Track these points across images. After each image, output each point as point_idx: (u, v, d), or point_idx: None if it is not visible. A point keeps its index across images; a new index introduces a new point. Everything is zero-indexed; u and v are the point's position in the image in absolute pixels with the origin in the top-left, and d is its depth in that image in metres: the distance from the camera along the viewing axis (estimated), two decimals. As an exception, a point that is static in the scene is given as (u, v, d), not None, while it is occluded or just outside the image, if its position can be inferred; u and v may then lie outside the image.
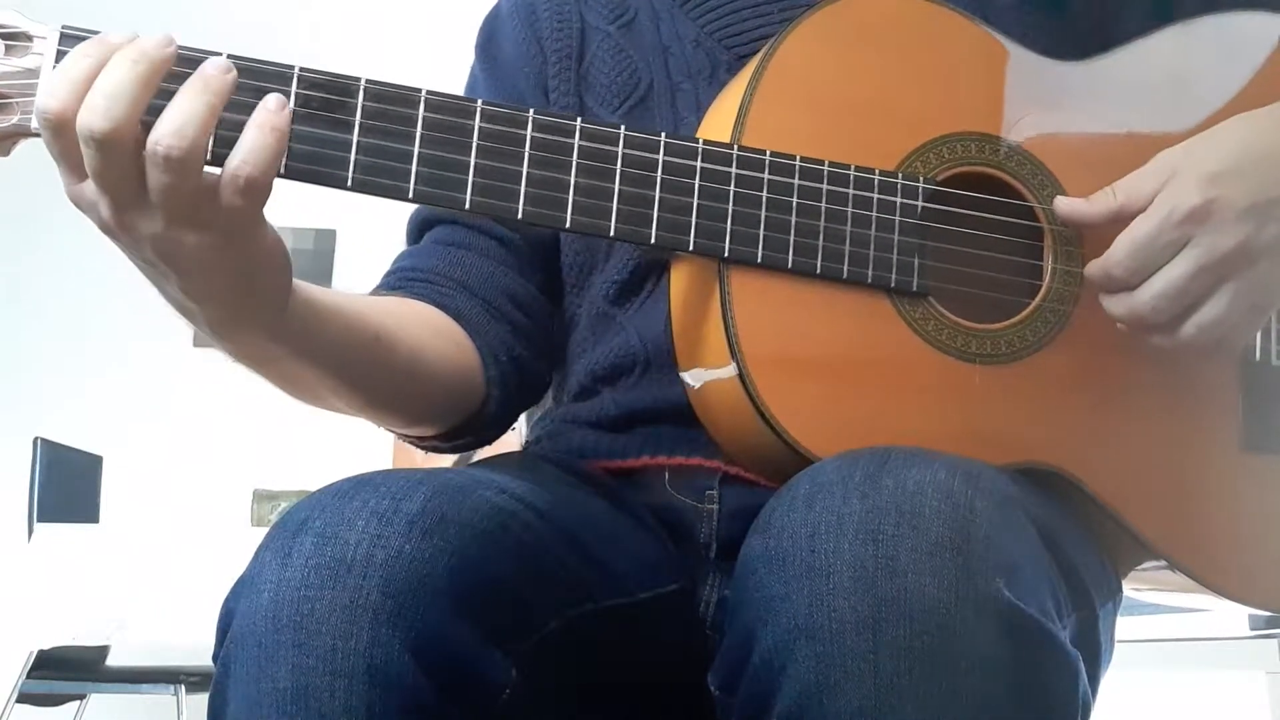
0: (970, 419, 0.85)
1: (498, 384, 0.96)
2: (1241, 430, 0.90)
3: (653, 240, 0.82)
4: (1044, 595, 0.71)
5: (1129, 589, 0.97)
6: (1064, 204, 0.86)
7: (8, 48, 0.73)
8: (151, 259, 0.74)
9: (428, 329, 0.94)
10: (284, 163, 0.75)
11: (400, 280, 0.99)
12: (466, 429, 0.97)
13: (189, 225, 0.72)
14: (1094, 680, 0.82)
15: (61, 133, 0.70)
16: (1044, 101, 0.90)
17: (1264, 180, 0.83)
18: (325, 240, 4.21)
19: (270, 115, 0.72)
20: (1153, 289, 0.82)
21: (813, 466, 0.73)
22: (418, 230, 1.04)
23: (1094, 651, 0.82)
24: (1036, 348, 0.86)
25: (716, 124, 0.89)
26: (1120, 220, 0.84)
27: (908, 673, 0.63)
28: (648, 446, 0.94)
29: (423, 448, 1.02)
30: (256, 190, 0.72)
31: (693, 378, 0.87)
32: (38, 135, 0.73)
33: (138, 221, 0.72)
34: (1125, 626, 0.97)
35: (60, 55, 0.73)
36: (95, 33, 0.73)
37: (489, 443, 1.02)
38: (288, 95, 0.75)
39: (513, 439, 1.08)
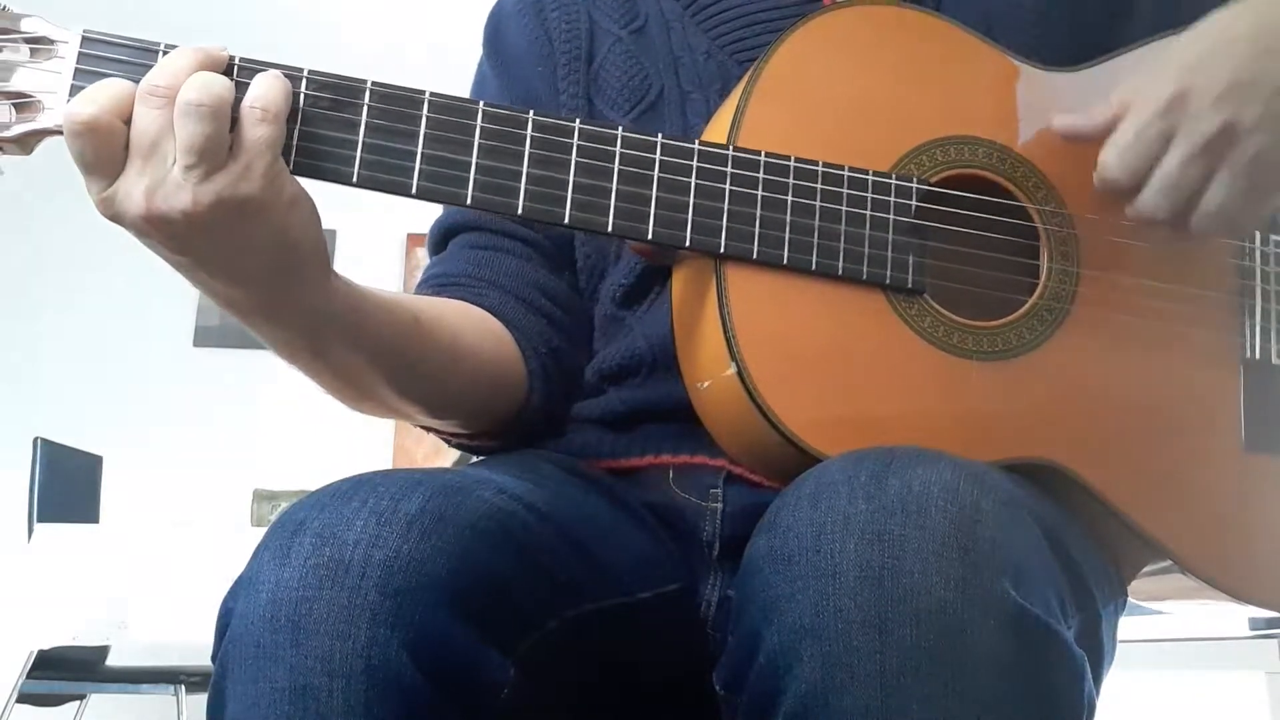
0: (967, 414, 0.85)
1: (540, 376, 0.96)
2: (1242, 428, 0.90)
3: (650, 236, 0.83)
4: (1049, 595, 0.71)
5: (1129, 597, 0.97)
6: (1063, 121, 0.87)
7: (33, 51, 0.77)
8: (190, 244, 0.76)
9: (466, 320, 0.95)
10: (292, 160, 0.78)
11: (431, 288, 1.00)
12: (513, 425, 0.97)
13: (228, 183, 0.74)
14: (1096, 680, 0.82)
15: (102, 133, 0.73)
16: (1037, 106, 0.90)
17: (1239, 63, 0.83)
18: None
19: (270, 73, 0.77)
20: (1152, 186, 0.83)
21: (818, 466, 0.73)
22: (442, 239, 1.04)
23: (1097, 652, 0.82)
24: (1034, 345, 0.87)
25: (715, 128, 0.90)
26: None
27: (914, 672, 0.63)
28: (652, 445, 0.95)
29: (470, 448, 1.01)
30: (273, 117, 0.75)
31: (696, 383, 0.87)
32: (59, 133, 0.75)
33: (180, 198, 0.73)
34: (1126, 627, 0.97)
35: (82, 58, 0.76)
36: (116, 37, 0.77)
37: (536, 441, 1.01)
38: (298, 96, 0.78)
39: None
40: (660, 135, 0.83)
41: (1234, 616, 2.19)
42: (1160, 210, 0.83)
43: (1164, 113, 0.82)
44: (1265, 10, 0.86)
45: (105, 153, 0.74)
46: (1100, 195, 0.88)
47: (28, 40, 0.77)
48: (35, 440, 3.35)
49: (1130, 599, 0.97)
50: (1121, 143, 0.84)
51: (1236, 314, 0.92)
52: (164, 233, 0.75)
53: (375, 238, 4.52)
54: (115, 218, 0.75)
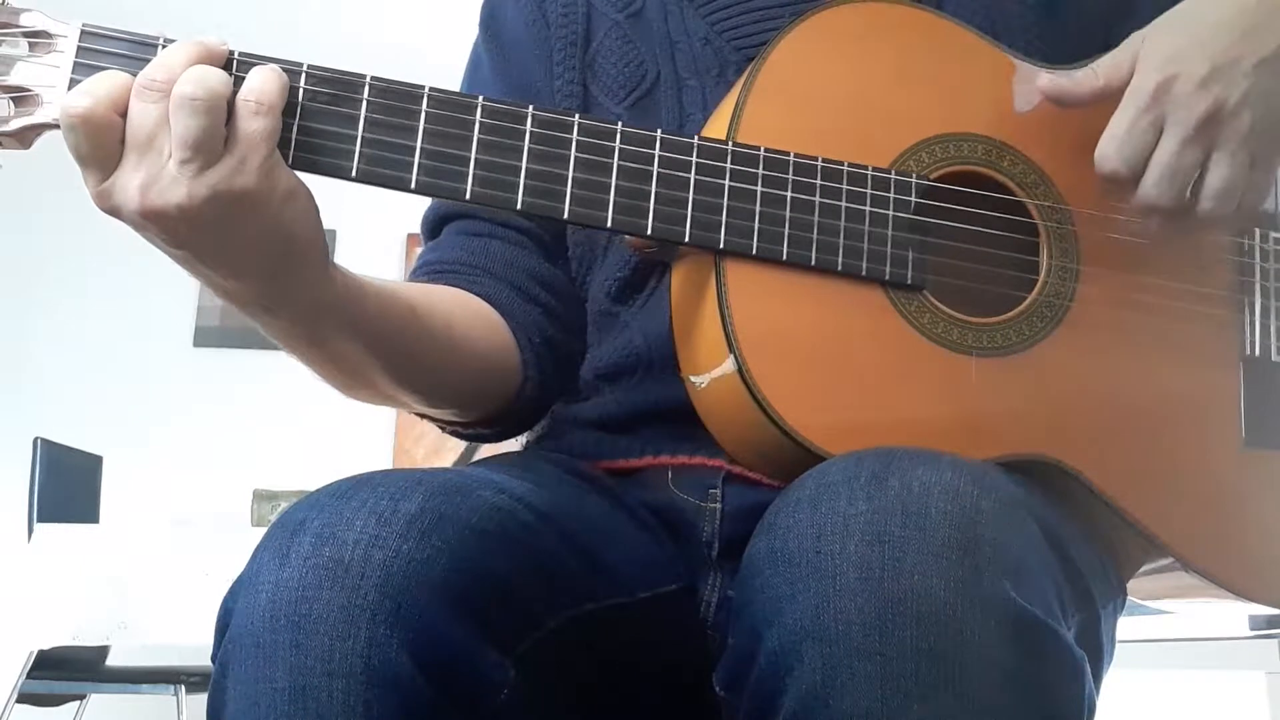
0: (967, 410, 0.85)
1: (534, 365, 0.96)
2: (1241, 425, 0.90)
3: (649, 231, 0.83)
4: (1049, 596, 0.71)
5: (1129, 596, 0.97)
6: (1048, 80, 0.88)
7: (32, 45, 0.77)
8: (186, 237, 0.75)
9: (461, 308, 0.95)
10: (291, 154, 0.78)
11: (426, 275, 1.00)
12: (507, 414, 0.98)
13: (223, 176, 0.74)
14: (1096, 680, 0.82)
15: (97, 126, 0.73)
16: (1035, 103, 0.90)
17: (1222, 45, 0.84)
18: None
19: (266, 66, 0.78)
20: (1151, 176, 0.84)
21: (818, 467, 0.73)
22: (436, 225, 1.04)
23: (1097, 652, 0.82)
24: (1033, 341, 0.87)
25: (715, 124, 0.90)
26: (1105, 97, 0.86)
27: (914, 674, 0.63)
28: (651, 446, 0.94)
29: (464, 436, 1.02)
30: (268, 110, 0.75)
31: (694, 379, 0.88)
32: (57, 128, 0.75)
33: (176, 192, 0.73)
34: (1125, 626, 0.97)
35: (81, 52, 0.76)
36: (115, 31, 0.77)
37: (528, 428, 1.02)
38: (296, 91, 0.78)
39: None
40: (660, 131, 0.83)
41: (1234, 616, 2.18)
42: (1164, 197, 0.84)
43: (1151, 103, 0.83)
44: None
45: (101, 146, 0.74)
46: (1100, 191, 0.88)
47: (27, 34, 0.77)
48: (35, 440, 3.35)
49: (1130, 599, 0.97)
50: (1116, 136, 0.84)
51: (1236, 310, 0.92)
52: (160, 226, 0.75)
53: (375, 237, 4.51)
54: (112, 211, 0.75)
